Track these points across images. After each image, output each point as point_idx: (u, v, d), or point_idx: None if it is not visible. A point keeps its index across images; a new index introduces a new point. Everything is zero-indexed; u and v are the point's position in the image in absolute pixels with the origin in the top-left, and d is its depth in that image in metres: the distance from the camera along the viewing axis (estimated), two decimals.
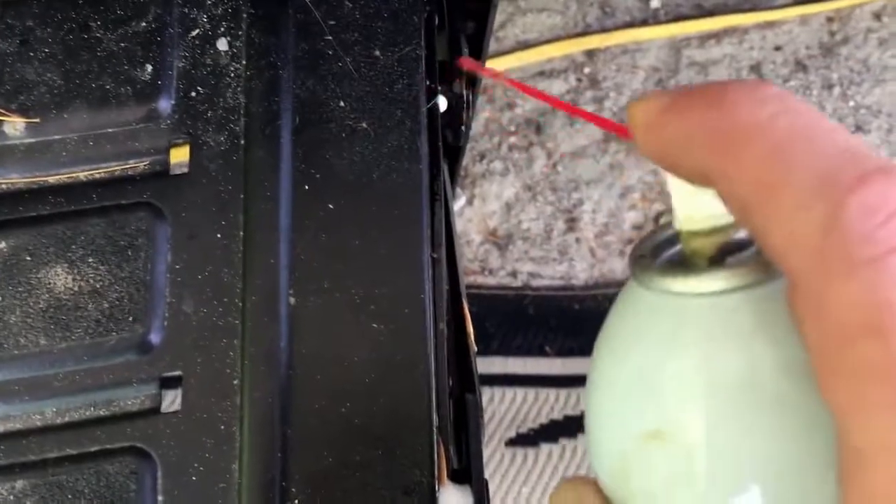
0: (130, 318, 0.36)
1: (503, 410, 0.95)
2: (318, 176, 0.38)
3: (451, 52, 0.48)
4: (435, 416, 0.34)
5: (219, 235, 0.37)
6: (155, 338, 0.36)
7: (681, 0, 1.11)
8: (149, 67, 0.39)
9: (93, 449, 0.35)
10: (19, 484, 0.34)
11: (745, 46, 1.09)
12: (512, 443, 0.93)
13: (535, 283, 1.00)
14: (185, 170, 0.38)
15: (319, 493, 0.33)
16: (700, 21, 1.09)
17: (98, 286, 0.37)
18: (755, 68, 1.08)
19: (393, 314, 0.35)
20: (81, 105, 0.39)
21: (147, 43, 0.40)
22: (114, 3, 0.40)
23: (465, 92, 0.49)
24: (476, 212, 1.02)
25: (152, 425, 0.35)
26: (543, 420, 0.94)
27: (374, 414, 0.34)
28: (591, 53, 1.08)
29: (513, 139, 1.05)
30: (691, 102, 0.21)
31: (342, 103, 0.39)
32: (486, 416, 0.94)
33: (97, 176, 0.39)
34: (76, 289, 0.37)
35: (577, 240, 1.02)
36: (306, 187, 0.37)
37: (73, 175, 0.39)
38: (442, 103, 0.41)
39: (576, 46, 1.08)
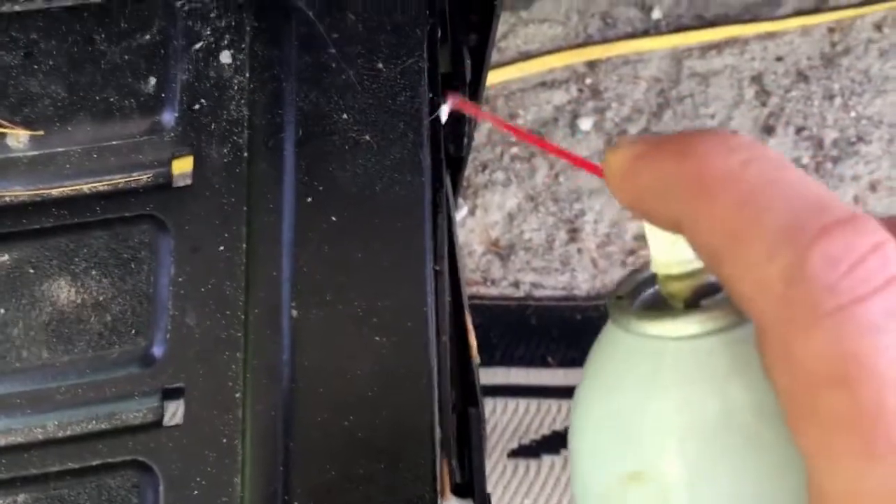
0: (133, 331, 0.36)
1: (505, 421, 0.95)
2: (320, 188, 0.38)
3: (453, 64, 0.48)
4: (438, 430, 0.34)
5: (222, 248, 0.37)
6: (157, 351, 0.36)
7: (682, 11, 1.11)
8: (152, 80, 0.40)
9: (95, 463, 0.35)
10: (21, 498, 0.34)
11: (746, 57, 1.09)
12: (514, 454, 0.93)
13: (538, 293, 1.00)
14: (189, 182, 0.38)
15: None
16: (701, 32, 1.09)
17: (101, 299, 0.37)
18: (756, 79, 1.08)
19: (395, 327, 0.35)
20: (85, 117, 0.39)
21: (151, 56, 0.40)
22: (118, 16, 0.40)
23: None
24: (478, 222, 1.02)
25: (154, 439, 0.35)
26: (545, 431, 0.94)
27: (377, 427, 0.34)
28: (592, 64, 1.08)
29: (515, 150, 1.05)
30: (663, 151, 0.21)
31: (345, 116, 0.39)
32: (489, 427, 0.93)
33: (101, 188, 0.39)
34: (79, 301, 0.37)
35: (579, 250, 1.02)
36: (309, 200, 0.37)
37: (77, 187, 0.39)
38: (444, 114, 0.41)
39: (577, 57, 1.08)
